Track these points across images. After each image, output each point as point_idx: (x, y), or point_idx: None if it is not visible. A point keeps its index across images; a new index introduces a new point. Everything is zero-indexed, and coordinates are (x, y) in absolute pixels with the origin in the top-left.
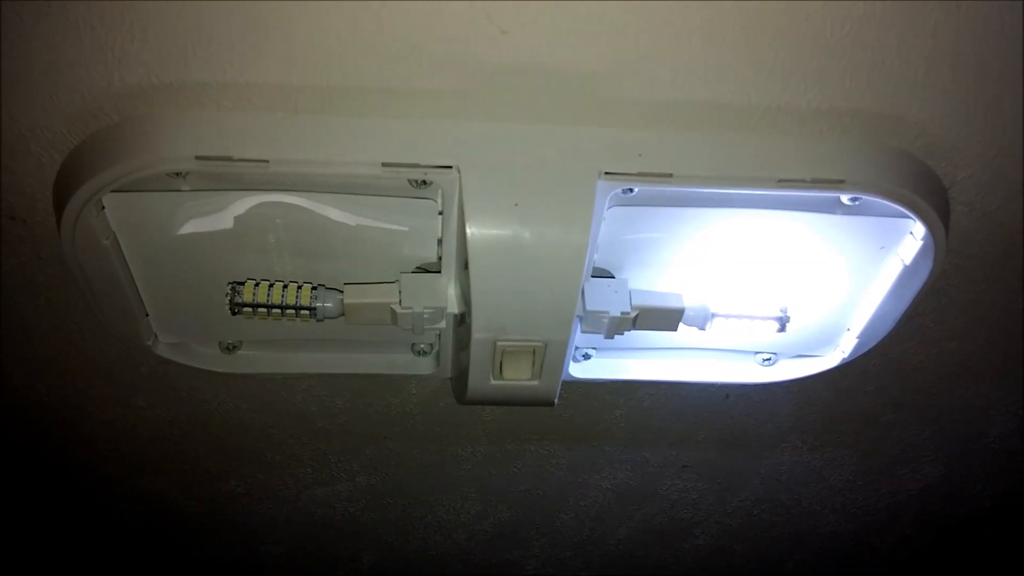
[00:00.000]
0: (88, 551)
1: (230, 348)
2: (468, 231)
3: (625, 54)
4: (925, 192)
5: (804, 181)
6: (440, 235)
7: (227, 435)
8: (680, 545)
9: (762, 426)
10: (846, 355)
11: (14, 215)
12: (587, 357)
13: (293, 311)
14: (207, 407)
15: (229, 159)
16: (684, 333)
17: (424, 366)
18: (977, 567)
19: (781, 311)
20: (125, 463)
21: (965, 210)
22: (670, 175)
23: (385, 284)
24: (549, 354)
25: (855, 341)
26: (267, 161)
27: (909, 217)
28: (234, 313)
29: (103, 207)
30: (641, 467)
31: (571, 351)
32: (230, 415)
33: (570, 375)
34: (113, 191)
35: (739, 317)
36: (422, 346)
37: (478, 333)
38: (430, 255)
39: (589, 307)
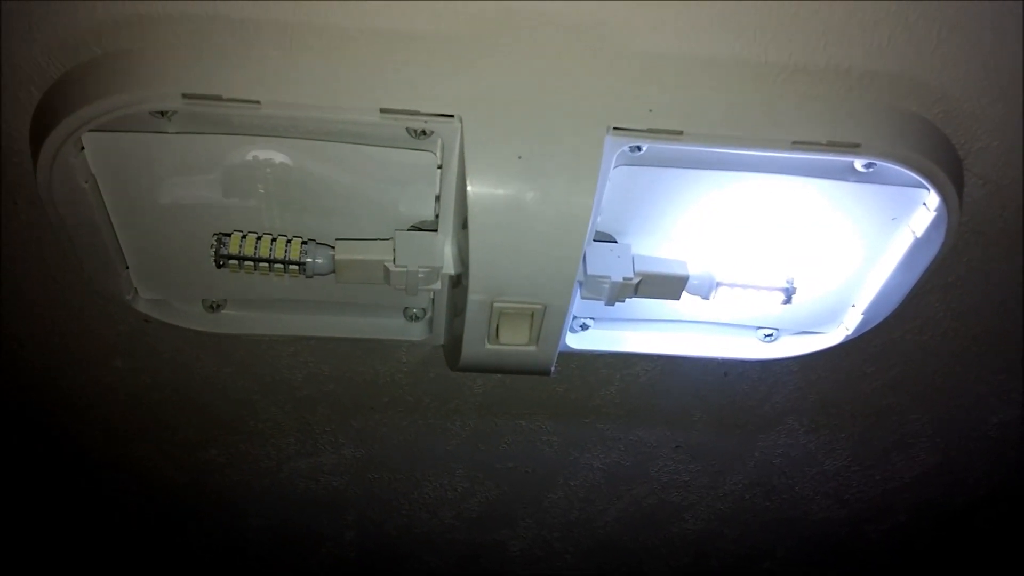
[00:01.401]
0: (64, 520)
1: (214, 307)
2: (469, 188)
3: (638, 4)
4: (941, 161)
5: (819, 144)
6: (438, 191)
7: (208, 401)
8: (669, 529)
9: (759, 406)
10: (850, 332)
11: None
12: (584, 328)
13: (281, 266)
14: (188, 371)
15: (218, 98)
16: (685, 304)
17: (416, 332)
18: (970, 556)
19: (787, 282)
20: (102, 428)
21: (979, 182)
22: (680, 132)
23: (379, 241)
24: (548, 318)
25: (860, 318)
26: (259, 103)
27: (923, 187)
28: (219, 266)
29: (83, 148)
30: (634, 446)
31: (569, 319)
32: (212, 380)
33: (566, 346)
34: (93, 130)
35: (744, 287)
36: (415, 311)
37: (475, 294)
38: (427, 213)
39: (590, 271)
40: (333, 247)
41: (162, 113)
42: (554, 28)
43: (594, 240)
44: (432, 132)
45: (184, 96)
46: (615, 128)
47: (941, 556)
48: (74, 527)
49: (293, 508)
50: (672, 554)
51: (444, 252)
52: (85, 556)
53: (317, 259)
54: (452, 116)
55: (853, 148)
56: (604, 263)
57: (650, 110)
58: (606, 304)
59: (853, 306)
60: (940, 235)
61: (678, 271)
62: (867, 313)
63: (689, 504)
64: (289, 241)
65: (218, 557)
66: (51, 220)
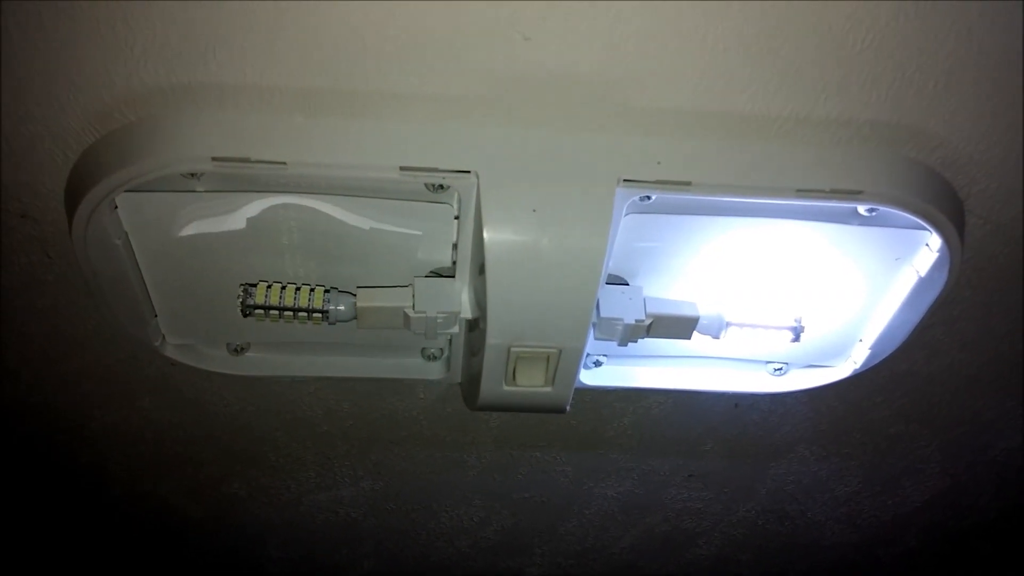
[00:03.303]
0: (89, 555)
1: (238, 350)
2: (486, 236)
3: (645, 62)
4: (942, 204)
5: (822, 191)
6: (455, 240)
7: (231, 438)
8: (683, 555)
9: (770, 436)
10: (858, 366)
11: (25, 213)
12: (598, 364)
13: (305, 314)
14: (212, 410)
15: (246, 160)
16: (696, 342)
17: (434, 371)
18: None
19: (795, 321)
20: (128, 466)
21: (979, 222)
22: (688, 183)
23: (398, 288)
24: (563, 361)
25: (867, 352)
26: (285, 163)
27: (925, 229)
28: (245, 315)
29: (116, 207)
30: (647, 476)
31: (583, 359)
32: (235, 418)
33: (580, 382)
34: (127, 191)
35: (753, 326)
36: (432, 351)
37: (492, 339)
38: (444, 260)
39: (603, 314)
40: (354, 295)
41: (192, 174)
42: (566, 86)
43: (606, 284)
44: (449, 186)
45: (214, 159)
46: (625, 180)
47: None
48: (95, 561)
49: (312, 540)
50: None
51: (461, 298)
52: None
53: (339, 307)
54: (468, 172)
55: (856, 195)
56: (617, 306)
57: (659, 162)
58: (619, 344)
59: (860, 341)
60: (943, 274)
61: (688, 312)
62: (874, 348)
63: (703, 531)
64: (312, 290)
65: None
66: (84, 273)
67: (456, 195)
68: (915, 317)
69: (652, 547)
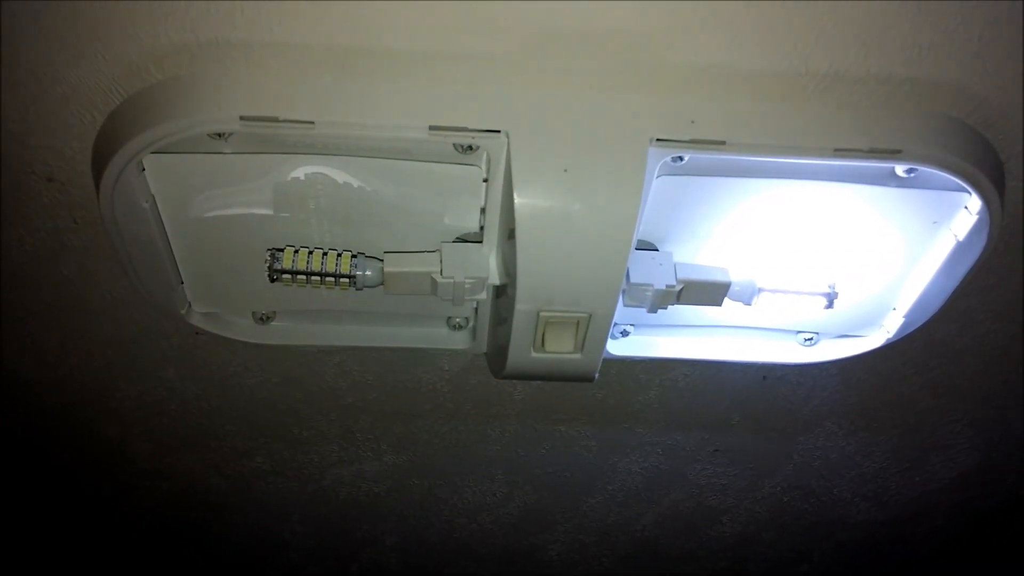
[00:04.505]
0: (111, 529)
1: (264, 319)
2: (516, 198)
3: (679, 18)
4: (983, 165)
5: (861, 151)
6: (484, 203)
7: (255, 410)
8: (706, 532)
9: (798, 410)
10: (891, 335)
11: (52, 177)
12: (625, 334)
13: (332, 279)
14: (237, 381)
15: (275, 120)
16: (725, 310)
17: (460, 340)
18: (1010, 558)
19: (829, 287)
20: (152, 438)
21: (1020, 185)
22: (723, 142)
23: (426, 253)
24: (593, 326)
25: (901, 320)
26: (313, 123)
27: (964, 190)
28: (273, 280)
29: (143, 169)
30: (672, 451)
31: (612, 326)
32: (259, 389)
33: (608, 352)
34: (154, 152)
35: (786, 292)
36: (458, 320)
37: (522, 304)
38: (471, 226)
39: (634, 279)
40: (382, 260)
41: (220, 135)
42: (596, 43)
43: (636, 248)
44: (479, 147)
45: (242, 118)
46: (658, 139)
47: (980, 558)
48: (118, 535)
49: (335, 514)
50: (709, 558)
51: (490, 263)
52: (128, 561)
53: (367, 272)
54: (499, 131)
55: (895, 154)
56: (647, 271)
57: (692, 121)
58: (649, 311)
59: (894, 309)
60: (982, 238)
61: (720, 278)
62: (908, 316)
63: (727, 507)
64: (340, 255)
65: (261, 563)
66: (111, 238)
67: (485, 156)
68: (951, 284)
69: (675, 524)
